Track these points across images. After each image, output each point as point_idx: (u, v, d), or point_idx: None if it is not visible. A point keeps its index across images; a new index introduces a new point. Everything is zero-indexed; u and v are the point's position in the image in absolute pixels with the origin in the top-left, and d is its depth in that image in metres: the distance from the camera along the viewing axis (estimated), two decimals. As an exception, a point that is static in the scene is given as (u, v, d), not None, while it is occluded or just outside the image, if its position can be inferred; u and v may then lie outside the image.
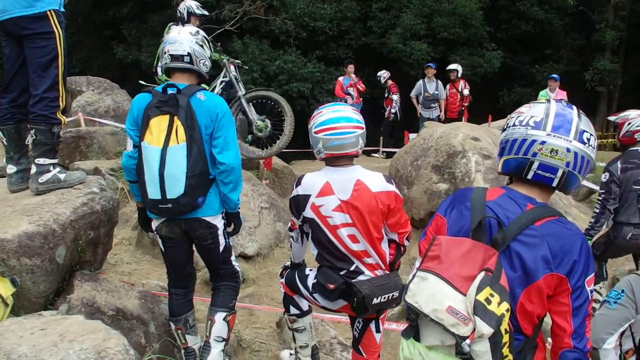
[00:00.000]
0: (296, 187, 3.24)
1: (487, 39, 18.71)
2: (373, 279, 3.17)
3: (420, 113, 12.15)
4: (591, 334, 2.29)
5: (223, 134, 3.33)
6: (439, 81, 12.23)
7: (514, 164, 2.04)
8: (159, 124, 3.23)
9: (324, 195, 3.13)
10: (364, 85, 12.71)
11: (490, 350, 1.76)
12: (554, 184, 1.99)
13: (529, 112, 2.04)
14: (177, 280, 3.65)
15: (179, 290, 3.64)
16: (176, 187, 3.19)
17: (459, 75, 12.47)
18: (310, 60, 17.67)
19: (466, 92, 12.27)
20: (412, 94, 12.26)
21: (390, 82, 13.22)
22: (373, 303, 3.09)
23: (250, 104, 6.85)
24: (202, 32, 3.56)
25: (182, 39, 3.40)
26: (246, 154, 6.89)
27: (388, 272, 3.24)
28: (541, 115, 2.01)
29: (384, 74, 13.48)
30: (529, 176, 2.01)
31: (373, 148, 13.17)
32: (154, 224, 3.45)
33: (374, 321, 3.31)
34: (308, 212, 3.16)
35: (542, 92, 11.83)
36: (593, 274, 1.98)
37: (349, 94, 12.28)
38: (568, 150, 1.94)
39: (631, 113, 5.12)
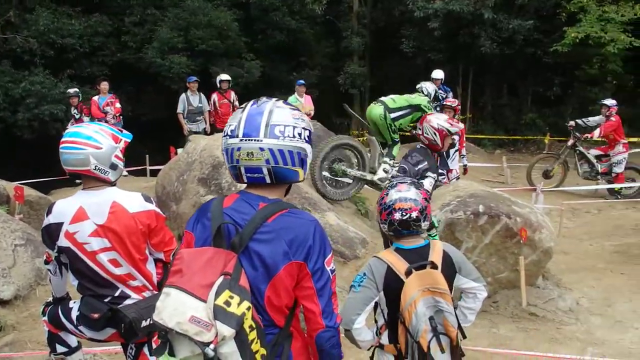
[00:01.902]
0: (47, 215, 3.01)
1: (245, 49, 19.14)
2: (140, 301, 3.04)
3: (188, 128, 11.91)
4: (342, 317, 2.52)
5: None
6: (201, 94, 12.16)
7: (232, 172, 2.14)
8: None
9: (78, 221, 2.94)
10: (119, 106, 12.10)
11: (238, 349, 1.84)
12: (268, 181, 2.10)
13: (230, 121, 2.13)
14: None
15: None
16: None
17: (230, 85, 12.56)
18: (62, 80, 16.42)
19: (237, 103, 12.42)
20: (179, 109, 11.97)
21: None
22: (142, 326, 2.95)
23: None
24: None
25: None
26: None
27: (156, 292, 3.12)
28: (235, 122, 2.09)
29: None
30: (244, 180, 2.11)
31: (139, 167, 12.73)
32: None
33: (146, 344, 3.16)
34: (62, 241, 2.95)
35: (291, 98, 12.34)
36: (331, 254, 2.14)
37: (107, 112, 11.71)
38: (262, 149, 2.04)
39: None
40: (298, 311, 2.19)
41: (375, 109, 7.95)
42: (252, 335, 1.87)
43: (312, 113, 12.20)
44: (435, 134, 5.42)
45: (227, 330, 1.80)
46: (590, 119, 12.03)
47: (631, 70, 18.79)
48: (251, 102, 2.16)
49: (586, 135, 11.51)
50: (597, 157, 11.67)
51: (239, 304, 1.85)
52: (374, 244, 6.85)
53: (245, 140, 2.05)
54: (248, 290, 1.92)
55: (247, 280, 1.96)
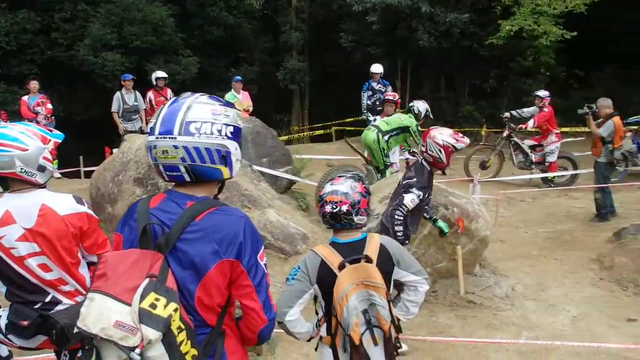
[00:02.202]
0: None
1: (182, 45, 18.81)
2: (72, 306, 2.97)
3: (123, 127, 11.63)
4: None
5: None
6: (136, 92, 11.88)
7: (155, 170, 2.11)
8: None
9: (4, 226, 2.85)
10: (50, 107, 11.69)
11: (166, 351, 1.81)
12: (187, 179, 2.06)
13: (152, 118, 2.09)
14: None
15: None
16: None
17: (166, 83, 12.34)
18: (-12, 80, 15.82)
19: None
20: (114, 108, 11.66)
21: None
22: (74, 332, 2.88)
23: None
24: None
25: None
26: None
27: None
28: (154, 119, 2.04)
29: None
30: (165, 178, 2.06)
31: (73, 169, 12.39)
32: None
33: (80, 350, 3.10)
34: None
35: (228, 95, 12.23)
36: (263, 249, 2.13)
37: (38, 113, 11.31)
38: (175, 147, 1.99)
39: None
40: (232, 309, 2.17)
41: (370, 134, 8.63)
42: (182, 336, 1.85)
43: (251, 109, 12.12)
44: (440, 150, 4.99)
45: (153, 334, 1.77)
46: (525, 110, 12.36)
47: (563, 62, 19.42)
48: (174, 98, 2.12)
49: (520, 126, 11.85)
50: (531, 147, 12.01)
51: (165, 306, 1.81)
52: (314, 239, 6.87)
53: (161, 137, 2.00)
54: (175, 291, 1.90)
55: (174, 281, 1.93)
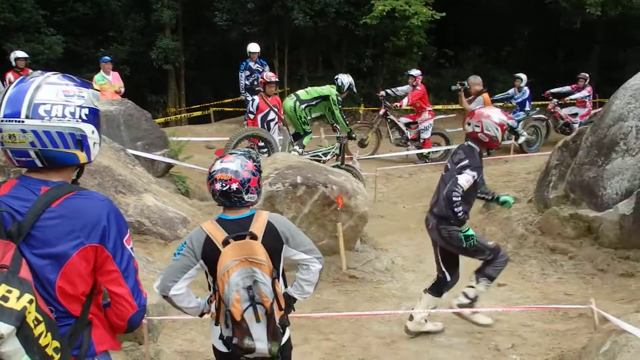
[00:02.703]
0: None
1: (44, 23, 17.59)
2: None
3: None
4: (160, 284, 2.62)
5: None
6: None
7: (4, 154, 1.93)
8: None
9: None
10: None
11: (23, 346, 1.71)
12: (39, 165, 1.91)
13: None
14: None
15: None
16: None
17: (27, 63, 11.51)
18: None
19: None
20: None
21: None
22: None
23: None
24: None
25: None
26: None
27: None
28: (0, 100, 1.87)
29: None
30: (15, 163, 1.91)
31: None
32: None
33: None
34: None
35: (97, 76, 11.65)
36: (129, 233, 2.05)
37: None
38: (23, 131, 1.84)
39: None
40: (100, 298, 2.07)
41: (288, 102, 9.04)
42: (40, 328, 1.75)
43: (123, 90, 11.63)
44: (497, 129, 4.88)
45: (5, 328, 1.65)
46: (399, 88, 12.76)
47: (434, 42, 20.15)
48: (21, 77, 1.94)
49: (395, 104, 12.21)
50: (407, 125, 12.40)
51: (18, 298, 1.70)
52: (195, 223, 6.68)
53: (7, 121, 1.84)
54: (30, 281, 1.77)
55: (28, 271, 1.80)
